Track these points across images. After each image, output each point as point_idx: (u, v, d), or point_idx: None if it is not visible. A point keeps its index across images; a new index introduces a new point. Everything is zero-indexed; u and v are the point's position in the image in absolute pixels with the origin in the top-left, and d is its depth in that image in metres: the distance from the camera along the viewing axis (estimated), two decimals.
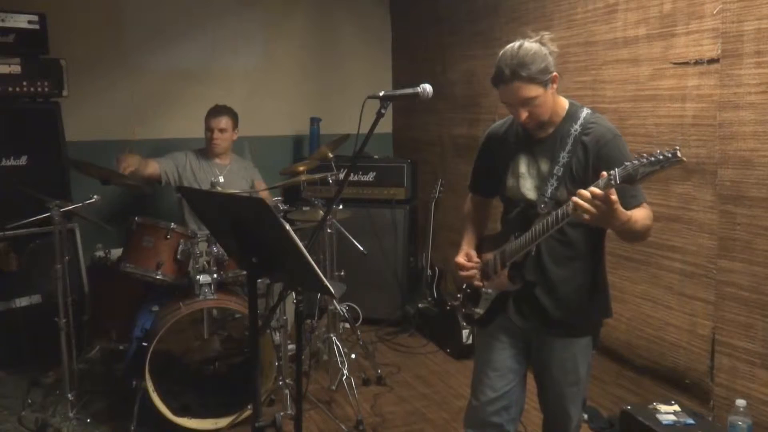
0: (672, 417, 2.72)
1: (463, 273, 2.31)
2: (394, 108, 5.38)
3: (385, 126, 5.45)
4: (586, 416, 3.33)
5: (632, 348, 3.22)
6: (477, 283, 2.32)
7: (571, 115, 2.17)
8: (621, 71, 3.17)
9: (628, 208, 1.95)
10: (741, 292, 2.68)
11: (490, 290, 2.31)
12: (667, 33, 2.93)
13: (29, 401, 3.43)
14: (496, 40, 4.13)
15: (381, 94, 2.14)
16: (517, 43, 2.10)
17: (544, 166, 2.18)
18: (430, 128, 5.01)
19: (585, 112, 2.17)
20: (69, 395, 3.17)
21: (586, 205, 1.84)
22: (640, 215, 2.01)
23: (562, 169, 2.11)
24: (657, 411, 2.76)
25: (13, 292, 3.80)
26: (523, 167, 2.22)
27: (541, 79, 2.06)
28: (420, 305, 4.65)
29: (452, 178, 4.73)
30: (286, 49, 5.04)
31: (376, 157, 4.88)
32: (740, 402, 2.52)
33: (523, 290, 2.22)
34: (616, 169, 1.82)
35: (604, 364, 3.40)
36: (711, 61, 2.73)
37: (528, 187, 2.21)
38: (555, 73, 2.10)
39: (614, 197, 1.83)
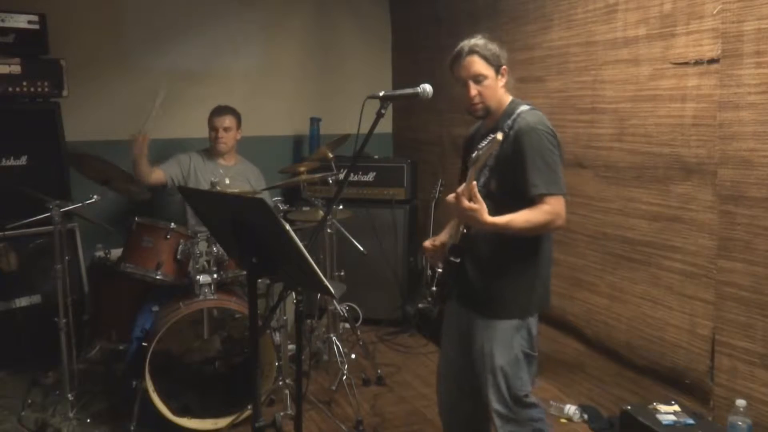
0: (672, 417, 2.72)
1: (427, 254, 2.53)
2: (394, 108, 5.38)
3: (385, 126, 5.45)
4: (586, 416, 3.33)
5: (632, 348, 3.22)
6: (436, 265, 2.55)
7: (509, 111, 2.35)
8: (621, 71, 3.17)
9: (528, 195, 2.17)
10: (741, 292, 2.68)
11: (440, 269, 2.52)
12: (667, 33, 2.93)
13: (29, 401, 3.43)
14: (496, 40, 4.12)
15: (381, 94, 2.17)
16: (477, 35, 2.40)
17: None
18: (430, 128, 5.01)
19: (522, 107, 2.35)
20: (69, 395, 3.17)
21: (448, 200, 2.14)
22: (523, 217, 2.16)
23: (493, 160, 2.26)
24: (657, 411, 2.76)
25: (13, 292, 3.80)
26: (473, 154, 2.32)
27: (493, 61, 2.34)
28: (420, 305, 4.64)
29: (452, 178, 4.71)
30: (286, 49, 5.04)
31: (376, 157, 4.88)
32: (740, 402, 2.52)
33: (454, 272, 2.37)
34: (473, 155, 2.13)
35: (604, 364, 3.41)
36: (711, 61, 2.73)
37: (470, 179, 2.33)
38: (505, 67, 2.36)
39: (465, 203, 2.07)
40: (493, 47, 2.35)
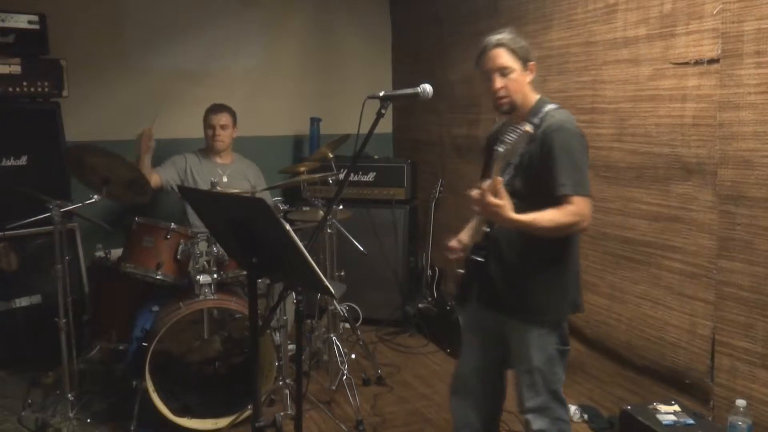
0: (672, 417, 2.72)
1: (451, 256, 2.45)
2: (394, 108, 5.38)
3: (385, 126, 5.45)
4: (586, 416, 3.33)
5: (632, 348, 3.22)
6: (459, 264, 2.47)
7: (536, 109, 2.30)
8: (621, 71, 3.17)
9: (554, 195, 2.13)
10: (741, 292, 2.68)
11: (461, 270, 2.47)
12: (667, 33, 2.93)
13: (29, 401, 3.43)
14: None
15: (381, 94, 2.16)
16: (507, 29, 2.33)
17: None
18: (430, 128, 5.01)
19: (549, 106, 2.30)
20: (69, 395, 3.17)
21: (474, 196, 2.07)
22: (548, 216, 2.11)
23: (518, 158, 2.22)
24: (657, 411, 2.76)
25: (13, 292, 3.80)
26: (500, 147, 2.29)
27: (521, 54, 2.28)
28: (420, 305, 4.65)
29: (452, 178, 4.73)
30: (286, 49, 5.04)
31: (376, 157, 4.88)
32: (740, 402, 2.52)
33: (478, 272, 2.34)
34: (500, 149, 2.04)
35: (604, 364, 3.41)
36: (711, 61, 2.73)
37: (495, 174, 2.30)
38: (533, 62, 2.30)
39: (490, 198, 2.00)
40: (522, 41, 2.30)
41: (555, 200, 2.15)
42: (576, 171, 2.17)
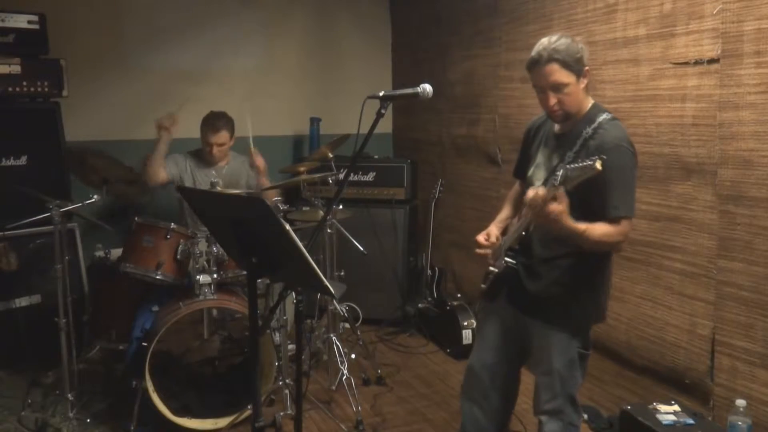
0: (672, 417, 2.72)
1: (478, 251, 2.39)
2: (394, 108, 5.38)
3: (385, 126, 5.45)
4: (586, 416, 3.33)
5: (632, 348, 3.22)
6: (489, 261, 2.41)
7: (590, 117, 2.23)
8: (621, 71, 3.17)
9: (607, 217, 2.09)
10: (741, 292, 2.68)
11: (495, 269, 2.41)
12: (667, 33, 2.93)
13: (29, 401, 3.43)
14: (496, 40, 4.13)
15: (381, 94, 2.16)
16: (554, 36, 2.18)
17: (555, 161, 2.27)
18: (430, 128, 5.01)
19: (603, 116, 2.22)
20: (69, 395, 3.17)
21: (530, 200, 2.03)
22: (600, 231, 2.09)
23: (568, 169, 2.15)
24: (657, 411, 2.76)
25: (13, 292, 3.80)
26: (540, 158, 2.30)
27: (575, 67, 2.16)
28: (420, 305, 4.65)
29: (452, 178, 4.73)
30: (286, 49, 5.04)
31: (376, 157, 4.88)
32: (740, 402, 2.52)
33: (510, 274, 2.33)
34: (559, 173, 1.98)
35: (604, 364, 3.40)
36: (711, 61, 2.73)
37: (538, 178, 2.31)
38: (587, 67, 2.19)
39: (552, 204, 1.97)
40: (576, 49, 2.16)
41: (603, 217, 2.12)
42: (629, 192, 2.15)
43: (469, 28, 4.43)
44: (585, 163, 1.92)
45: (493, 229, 2.44)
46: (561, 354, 2.30)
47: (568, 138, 2.23)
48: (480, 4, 4.29)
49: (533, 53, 2.19)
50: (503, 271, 2.37)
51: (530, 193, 2.06)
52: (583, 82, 2.21)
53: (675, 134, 2.92)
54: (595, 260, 2.27)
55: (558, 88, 2.17)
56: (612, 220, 2.12)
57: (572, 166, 1.95)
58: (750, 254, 2.63)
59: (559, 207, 1.99)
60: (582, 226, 2.06)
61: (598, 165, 1.89)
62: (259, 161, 3.88)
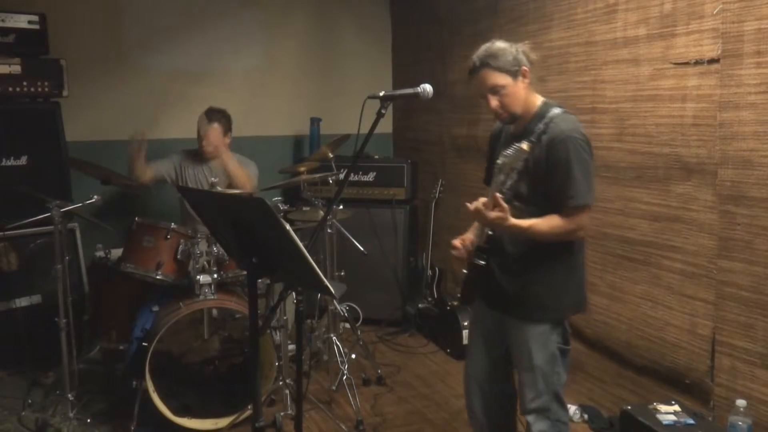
0: (672, 417, 2.72)
1: (454, 253, 2.45)
2: (394, 108, 5.38)
3: (385, 126, 5.45)
4: (586, 416, 3.33)
5: (632, 348, 3.22)
6: (464, 266, 2.47)
7: (540, 114, 2.29)
8: (621, 71, 3.17)
9: (564, 207, 2.18)
10: (741, 292, 2.68)
11: (465, 271, 2.48)
12: (667, 33, 2.93)
13: (29, 401, 3.43)
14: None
15: (381, 94, 2.17)
16: (489, 42, 2.28)
17: None
18: (430, 128, 5.01)
19: (554, 110, 2.28)
20: (69, 395, 3.17)
21: (472, 213, 2.16)
22: (546, 224, 2.19)
23: (523, 163, 2.22)
24: (657, 411, 2.76)
25: (13, 292, 3.80)
26: (500, 160, 2.31)
27: (509, 69, 2.23)
28: (420, 305, 4.65)
29: (452, 178, 4.73)
30: (286, 49, 5.04)
31: (376, 157, 4.88)
32: (740, 402, 2.52)
33: (483, 274, 2.37)
34: (499, 161, 2.14)
35: (605, 364, 3.41)
36: (711, 61, 2.73)
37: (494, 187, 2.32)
38: (524, 67, 2.25)
39: (492, 212, 2.10)
40: (506, 52, 2.23)
41: (560, 207, 2.20)
42: (582, 182, 2.19)
43: (469, 28, 4.43)
44: (514, 147, 2.03)
45: (469, 235, 2.49)
46: (541, 349, 2.32)
47: (522, 137, 2.26)
48: (480, 4, 4.29)
49: (469, 62, 2.28)
50: (473, 272, 2.40)
51: (470, 207, 2.16)
52: (523, 82, 2.27)
53: (675, 134, 2.92)
54: (563, 252, 2.31)
55: (495, 90, 2.25)
56: (569, 210, 2.19)
57: (506, 152, 2.08)
58: (750, 254, 2.63)
59: (498, 213, 2.11)
60: (526, 223, 2.16)
61: (525, 146, 2.03)
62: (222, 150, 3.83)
